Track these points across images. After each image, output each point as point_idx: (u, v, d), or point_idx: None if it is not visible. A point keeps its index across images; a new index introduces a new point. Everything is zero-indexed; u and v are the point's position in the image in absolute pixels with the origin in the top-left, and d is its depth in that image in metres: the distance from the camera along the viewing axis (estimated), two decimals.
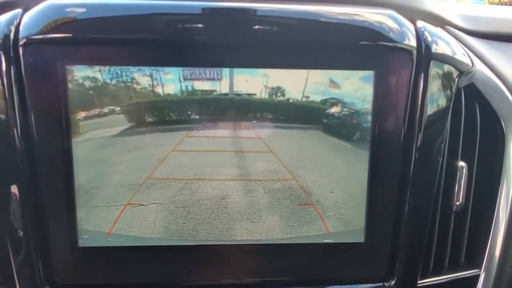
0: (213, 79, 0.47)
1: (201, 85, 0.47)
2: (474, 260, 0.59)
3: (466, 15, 0.67)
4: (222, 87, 0.47)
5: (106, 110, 0.47)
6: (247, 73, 0.47)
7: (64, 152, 0.47)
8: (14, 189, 0.48)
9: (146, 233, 0.50)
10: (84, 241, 0.49)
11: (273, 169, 0.49)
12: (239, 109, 0.48)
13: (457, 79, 0.53)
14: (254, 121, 0.48)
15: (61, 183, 0.48)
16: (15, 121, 0.46)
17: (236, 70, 0.47)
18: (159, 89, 0.47)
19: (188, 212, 0.50)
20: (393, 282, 0.54)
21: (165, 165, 0.48)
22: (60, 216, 0.49)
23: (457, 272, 0.58)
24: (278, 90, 0.48)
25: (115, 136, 0.47)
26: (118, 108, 0.47)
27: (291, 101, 0.48)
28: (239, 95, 0.47)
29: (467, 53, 0.55)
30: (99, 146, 0.47)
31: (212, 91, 0.47)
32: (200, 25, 0.46)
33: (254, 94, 0.47)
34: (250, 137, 0.48)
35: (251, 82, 0.47)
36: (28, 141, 0.47)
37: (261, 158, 0.49)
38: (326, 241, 0.52)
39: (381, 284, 0.54)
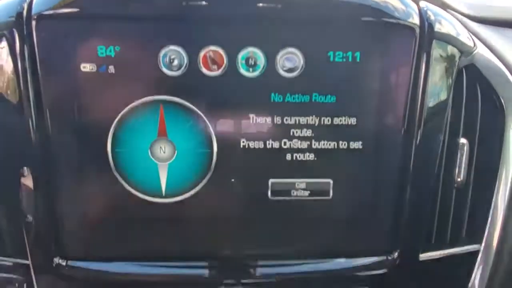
0: None
1: None
2: (475, 235, 0.60)
3: (468, 1, 0.69)
4: None
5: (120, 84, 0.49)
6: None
7: (75, 127, 0.49)
8: (26, 163, 0.50)
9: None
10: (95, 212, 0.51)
11: None
12: None
13: (458, 59, 0.54)
14: None
15: (74, 157, 0.50)
16: (28, 97, 0.48)
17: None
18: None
19: None
20: (395, 256, 0.55)
21: None
22: (72, 188, 0.50)
23: (458, 247, 0.60)
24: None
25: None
26: (132, 83, 0.49)
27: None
28: None
29: (469, 34, 0.57)
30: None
31: None
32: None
33: None
34: None
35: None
36: (41, 116, 0.48)
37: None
38: (330, 214, 0.53)
39: (384, 257, 0.55)
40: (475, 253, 0.60)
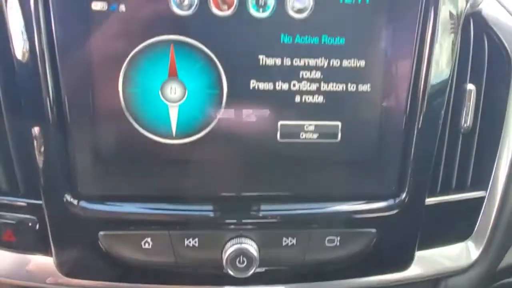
0: None
1: None
2: (480, 182, 0.61)
3: None
4: None
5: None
6: None
7: (87, 66, 0.49)
8: (39, 103, 0.50)
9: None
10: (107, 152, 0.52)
11: None
12: None
13: (466, 7, 0.54)
14: None
15: (86, 97, 0.50)
16: (40, 37, 0.48)
17: None
18: None
19: None
20: (402, 199, 0.56)
21: None
22: (83, 128, 0.51)
23: (463, 193, 0.60)
24: None
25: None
26: (142, 23, 0.49)
27: None
28: None
29: None
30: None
31: None
32: None
33: None
34: None
35: None
36: (53, 56, 0.49)
37: None
38: (338, 157, 0.54)
39: (390, 201, 0.56)
40: (480, 200, 0.62)
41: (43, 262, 0.57)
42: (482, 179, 0.61)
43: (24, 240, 0.56)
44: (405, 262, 0.60)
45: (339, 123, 0.53)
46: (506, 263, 0.70)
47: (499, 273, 0.71)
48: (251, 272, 0.54)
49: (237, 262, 0.53)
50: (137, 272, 0.57)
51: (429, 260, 0.61)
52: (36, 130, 0.51)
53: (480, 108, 0.59)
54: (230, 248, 0.54)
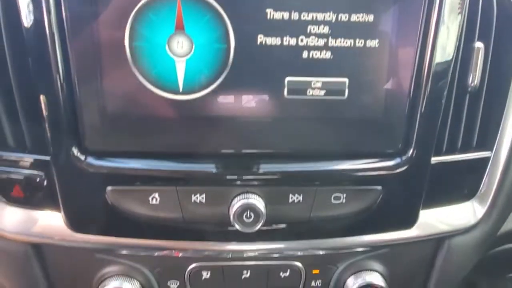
0: None
1: None
2: (486, 143, 0.61)
3: None
4: None
5: None
6: None
7: (93, 18, 0.48)
8: (47, 57, 0.49)
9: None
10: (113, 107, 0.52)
11: None
12: None
13: None
14: None
15: (93, 50, 0.50)
16: (48, 2, 0.48)
17: None
18: None
19: None
20: (408, 157, 0.56)
21: None
22: (90, 82, 0.51)
23: (468, 153, 0.61)
24: None
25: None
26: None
27: None
28: None
29: None
30: None
31: None
32: None
33: None
34: None
35: None
36: (59, 10, 0.48)
37: None
38: (345, 114, 0.54)
39: (399, 159, 0.56)
40: (485, 160, 0.62)
41: (52, 219, 0.57)
42: (488, 139, 0.61)
43: (33, 196, 0.57)
44: (409, 220, 0.61)
45: (346, 80, 0.53)
46: (505, 230, 0.71)
47: (498, 239, 0.72)
48: (258, 227, 0.54)
49: (244, 217, 0.54)
50: (144, 228, 0.57)
51: (433, 219, 0.62)
52: (42, 85, 0.51)
53: (488, 67, 0.58)
54: (237, 203, 0.54)
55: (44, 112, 0.52)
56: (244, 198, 0.54)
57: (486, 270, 0.92)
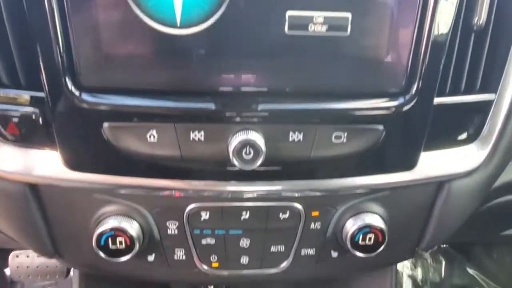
0: None
1: None
2: (489, 85, 0.60)
3: None
4: None
5: None
6: None
7: None
8: None
9: None
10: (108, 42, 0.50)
11: None
12: None
13: None
14: None
15: None
16: None
17: None
18: None
19: None
20: (411, 97, 0.55)
21: None
22: (84, 14, 0.49)
23: (472, 95, 0.60)
24: None
25: None
26: None
27: None
28: None
29: None
30: None
31: None
32: None
33: None
34: None
35: None
36: None
37: None
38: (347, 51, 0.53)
39: (402, 99, 0.55)
40: (488, 103, 0.61)
41: (49, 157, 0.56)
42: (492, 81, 0.60)
43: (29, 134, 0.56)
44: (410, 162, 0.60)
45: (349, 15, 0.51)
46: (501, 182, 0.71)
47: (494, 192, 0.72)
48: (257, 164, 0.54)
49: (243, 153, 0.53)
50: (142, 166, 0.57)
51: (434, 162, 0.61)
52: (36, 18, 0.49)
53: (494, 4, 0.56)
54: (237, 139, 0.53)
55: (38, 46, 0.50)
56: (244, 134, 0.53)
57: (481, 227, 0.93)
